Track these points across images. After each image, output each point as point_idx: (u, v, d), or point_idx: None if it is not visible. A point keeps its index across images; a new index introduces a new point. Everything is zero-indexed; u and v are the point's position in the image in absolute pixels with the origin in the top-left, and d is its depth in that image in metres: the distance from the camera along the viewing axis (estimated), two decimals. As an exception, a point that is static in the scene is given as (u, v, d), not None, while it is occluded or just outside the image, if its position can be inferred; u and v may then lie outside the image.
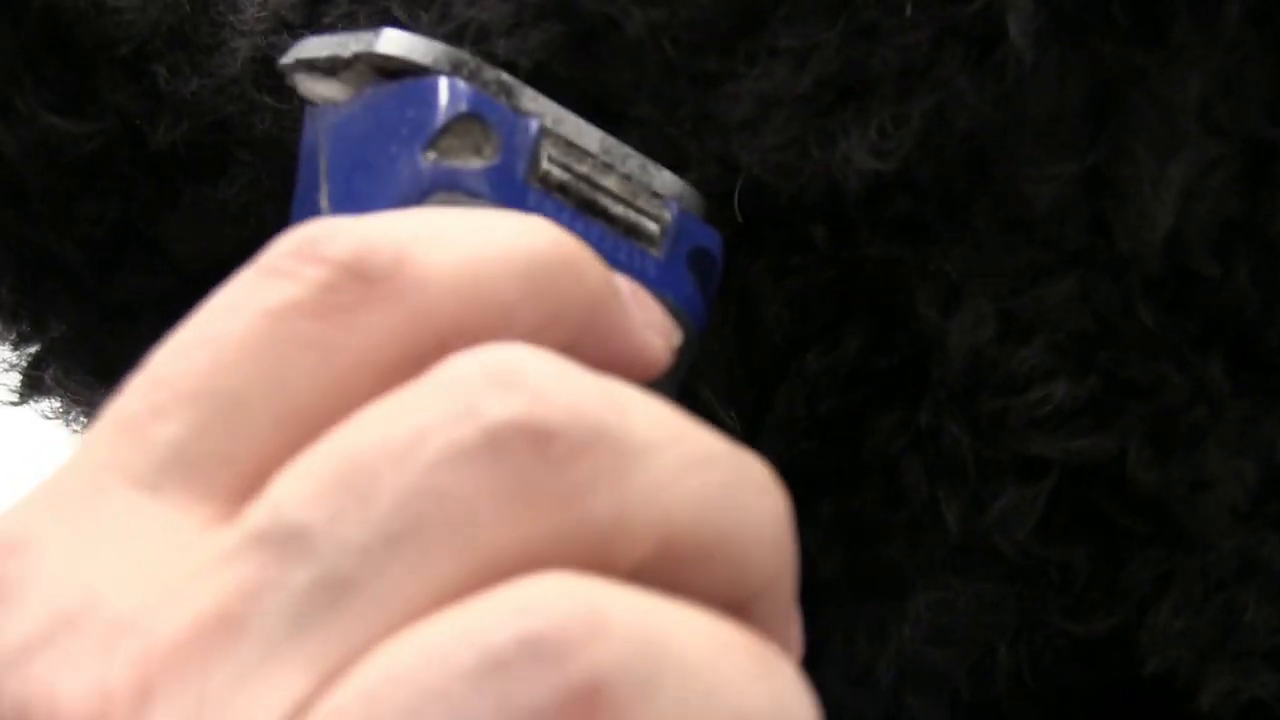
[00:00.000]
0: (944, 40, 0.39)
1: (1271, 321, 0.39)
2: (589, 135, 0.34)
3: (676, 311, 0.33)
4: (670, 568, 0.24)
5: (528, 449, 0.23)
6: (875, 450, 0.41)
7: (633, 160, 0.35)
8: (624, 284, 0.29)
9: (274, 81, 0.44)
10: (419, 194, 0.32)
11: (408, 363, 0.25)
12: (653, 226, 0.35)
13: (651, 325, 0.30)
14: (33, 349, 0.51)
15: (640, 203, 0.35)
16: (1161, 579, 0.40)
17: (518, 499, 0.22)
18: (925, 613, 0.42)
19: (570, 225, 0.32)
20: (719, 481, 0.24)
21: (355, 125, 0.34)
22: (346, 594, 0.22)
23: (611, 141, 0.35)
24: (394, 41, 0.33)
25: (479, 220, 0.27)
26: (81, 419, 0.52)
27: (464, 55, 0.33)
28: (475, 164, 0.32)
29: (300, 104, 0.43)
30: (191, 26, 0.45)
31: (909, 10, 0.38)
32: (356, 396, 0.25)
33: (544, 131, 0.33)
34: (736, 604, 0.25)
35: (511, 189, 0.32)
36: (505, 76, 0.34)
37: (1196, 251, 0.38)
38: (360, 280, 0.25)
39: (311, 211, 0.33)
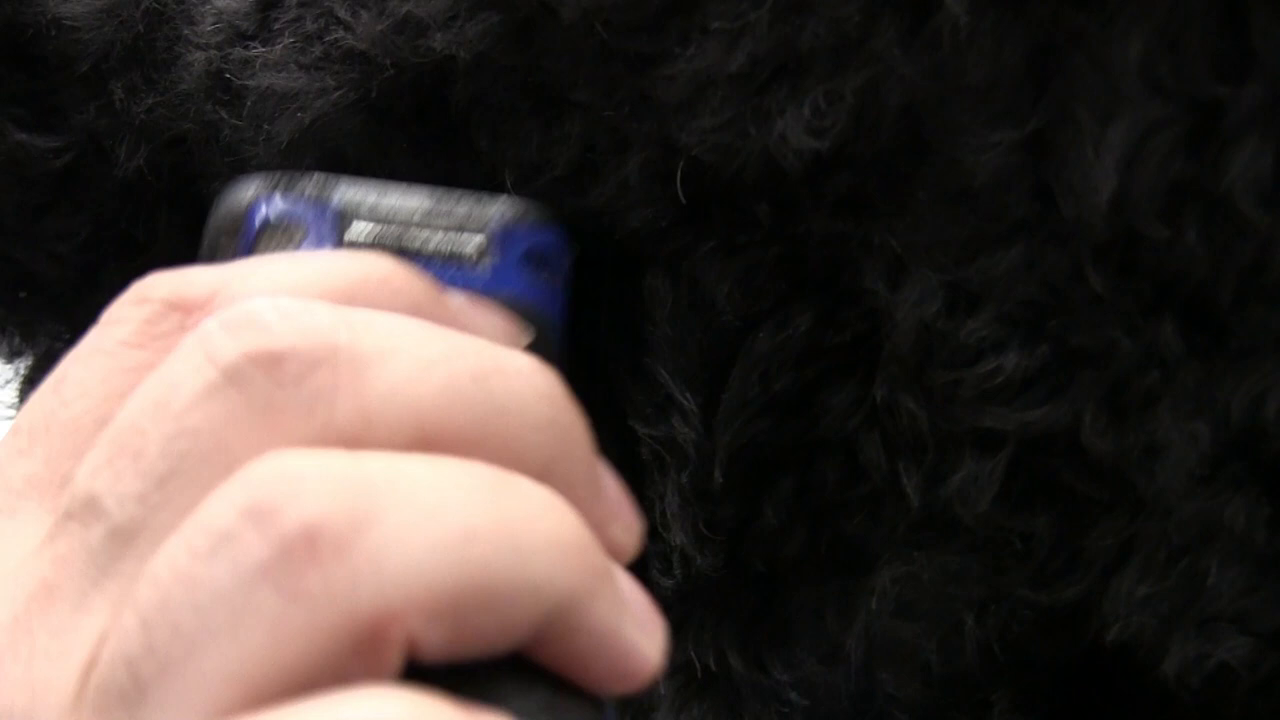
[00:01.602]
0: (877, 11, 0.36)
1: (1222, 282, 0.36)
2: (412, 197, 0.36)
3: (519, 306, 0.35)
4: (441, 450, 0.26)
5: (261, 374, 0.25)
6: (832, 426, 0.39)
7: (462, 204, 0.36)
8: (456, 295, 0.32)
9: (227, 96, 0.42)
10: None
11: None
12: (471, 248, 0.36)
13: (490, 325, 0.32)
14: (27, 362, 0.50)
15: (464, 233, 0.35)
16: (1124, 546, 0.38)
17: (261, 417, 0.25)
18: (891, 587, 0.40)
19: None
20: (466, 373, 0.26)
21: None
22: (134, 537, 0.25)
23: (441, 191, 0.36)
24: (236, 192, 0.36)
25: (299, 257, 0.30)
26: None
27: (277, 175, 0.36)
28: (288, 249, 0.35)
29: (253, 120, 0.42)
30: (147, 43, 0.43)
31: (840, -18, 0.36)
32: None
33: (347, 211, 0.35)
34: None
35: None
36: (318, 177, 0.36)
37: (1143, 215, 0.36)
38: (177, 310, 0.28)
39: None
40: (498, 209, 0.36)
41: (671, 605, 0.43)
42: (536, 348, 0.33)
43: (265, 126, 0.42)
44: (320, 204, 0.35)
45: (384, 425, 0.25)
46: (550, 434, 0.27)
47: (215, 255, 0.36)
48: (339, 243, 0.34)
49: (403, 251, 0.34)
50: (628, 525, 0.30)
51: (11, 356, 0.49)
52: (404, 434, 0.25)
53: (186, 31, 0.43)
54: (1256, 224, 0.36)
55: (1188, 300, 0.36)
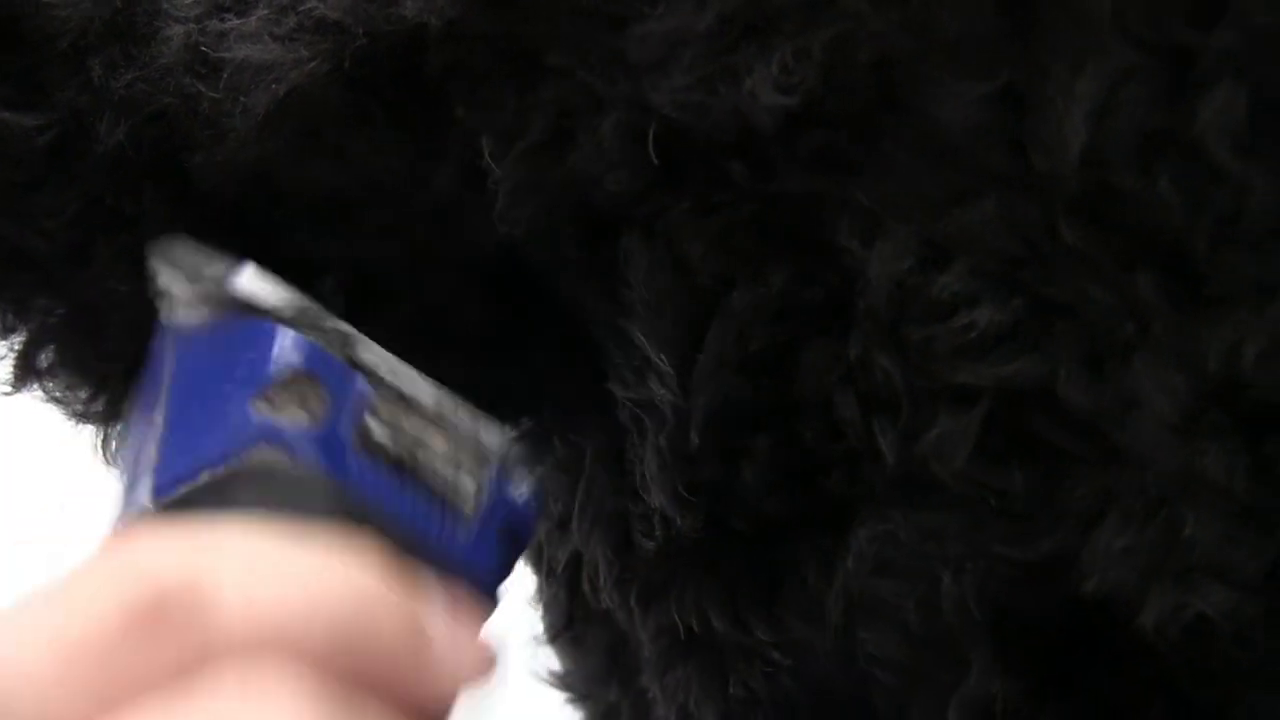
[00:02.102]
0: (846, -33, 0.35)
1: (1197, 231, 0.35)
2: (422, 388, 0.32)
3: (484, 583, 0.32)
4: None
5: None
6: (808, 385, 0.38)
7: (463, 412, 0.33)
8: (439, 627, 0.28)
9: (205, 69, 0.41)
10: (244, 442, 0.30)
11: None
12: (470, 486, 0.32)
13: (465, 660, 0.28)
14: (21, 339, 0.49)
15: (463, 460, 0.32)
16: (1101, 499, 0.36)
17: None
18: (868, 546, 0.38)
19: (390, 493, 0.31)
20: None
21: (201, 351, 0.32)
22: None
23: (443, 395, 0.33)
24: (247, 280, 0.32)
25: (292, 571, 0.26)
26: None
27: (308, 304, 0.32)
28: (302, 422, 0.30)
29: (230, 93, 0.41)
30: (126, 19, 0.42)
31: (809, -61, 0.35)
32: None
33: (374, 388, 0.31)
34: None
35: (335, 455, 0.31)
36: (344, 327, 0.32)
37: (1116, 165, 0.35)
38: (148, 627, 0.24)
39: (147, 427, 0.32)
40: (496, 440, 0.33)
41: (654, 567, 0.42)
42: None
43: (242, 99, 0.41)
44: (344, 370, 0.31)
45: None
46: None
47: (198, 293, 0.32)
48: (354, 438, 0.31)
49: (411, 470, 0.31)
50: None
51: (4, 333, 0.48)
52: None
53: (166, 5, 0.42)
54: (1231, 171, 0.34)
55: (1163, 250, 0.35)
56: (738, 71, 0.36)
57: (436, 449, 0.32)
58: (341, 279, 0.43)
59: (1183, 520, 0.36)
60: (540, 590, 0.50)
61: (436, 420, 0.32)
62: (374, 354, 0.32)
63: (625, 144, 0.37)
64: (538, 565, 0.49)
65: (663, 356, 0.38)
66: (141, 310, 0.47)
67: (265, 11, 0.40)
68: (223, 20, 0.41)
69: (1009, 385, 0.36)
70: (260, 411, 0.30)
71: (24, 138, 0.43)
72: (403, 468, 0.31)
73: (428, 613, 0.28)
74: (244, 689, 0.24)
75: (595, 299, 0.40)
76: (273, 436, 0.30)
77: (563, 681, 0.51)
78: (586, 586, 0.45)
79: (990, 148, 0.35)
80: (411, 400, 0.32)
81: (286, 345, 0.31)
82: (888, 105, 0.36)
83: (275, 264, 0.44)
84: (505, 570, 0.33)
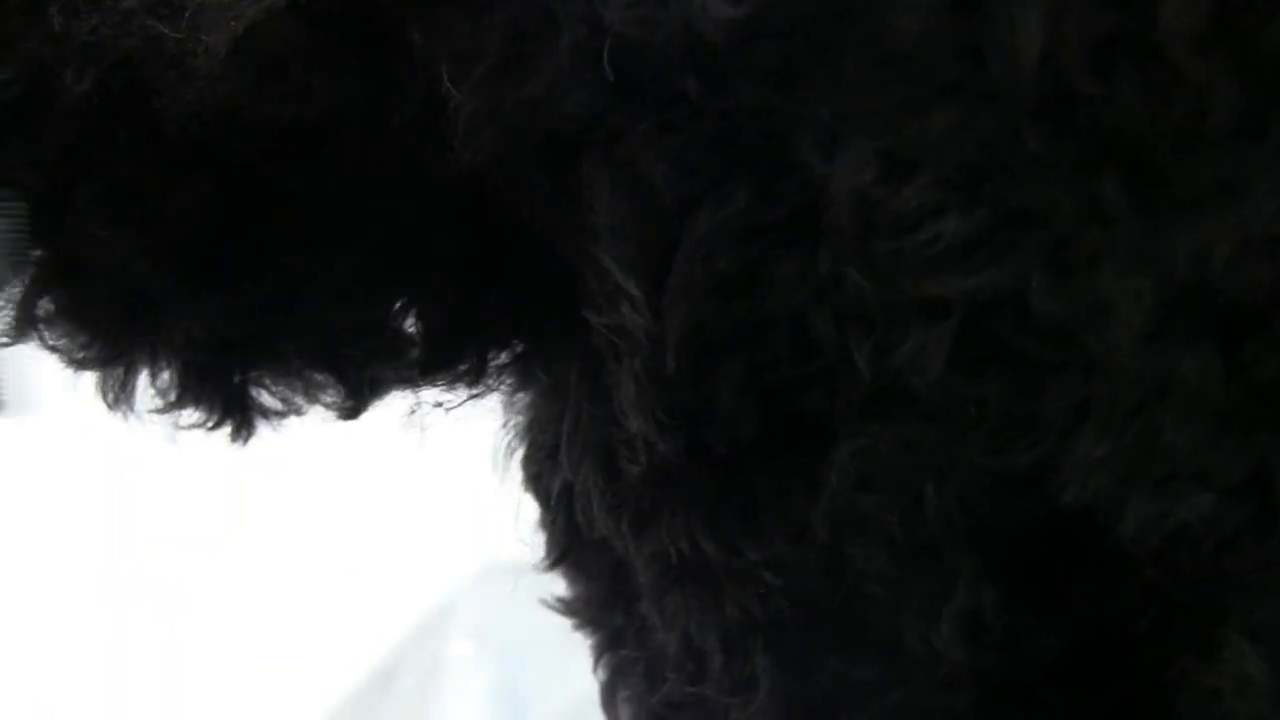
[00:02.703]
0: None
1: (1162, 132, 0.34)
2: None
3: None
4: None
5: None
6: (779, 303, 0.38)
7: None
8: None
9: (167, 10, 0.41)
10: None
11: None
12: None
13: None
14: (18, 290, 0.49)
15: None
16: (1078, 407, 0.36)
17: None
18: (850, 461, 0.38)
19: None
20: None
21: None
22: None
23: None
24: None
25: None
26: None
27: None
28: None
29: (193, 32, 0.41)
30: None
31: None
32: None
33: None
34: None
35: None
36: None
37: (1075, 70, 0.34)
38: None
39: None
40: None
41: (641, 493, 0.42)
42: None
43: (203, 38, 0.41)
44: None
45: None
46: None
47: None
48: None
49: None
50: None
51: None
52: None
53: (124, -51, 0.42)
54: (1193, 72, 0.33)
55: (1127, 154, 0.34)
56: (687, -16, 0.35)
57: None
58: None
59: (1161, 426, 0.35)
60: (541, 519, 0.50)
61: None
62: None
63: (581, 64, 0.37)
64: (537, 494, 0.50)
65: (631, 281, 0.38)
66: (128, 252, 0.47)
67: (219, -51, 0.40)
68: None
69: (980, 295, 0.36)
70: None
71: None
72: None
73: None
74: None
75: (563, 225, 0.40)
76: None
77: (569, 608, 0.51)
78: (580, 516, 0.45)
79: (947, 55, 0.35)
80: None
81: None
82: (840, 14, 0.35)
83: (249, 200, 0.45)
84: None
